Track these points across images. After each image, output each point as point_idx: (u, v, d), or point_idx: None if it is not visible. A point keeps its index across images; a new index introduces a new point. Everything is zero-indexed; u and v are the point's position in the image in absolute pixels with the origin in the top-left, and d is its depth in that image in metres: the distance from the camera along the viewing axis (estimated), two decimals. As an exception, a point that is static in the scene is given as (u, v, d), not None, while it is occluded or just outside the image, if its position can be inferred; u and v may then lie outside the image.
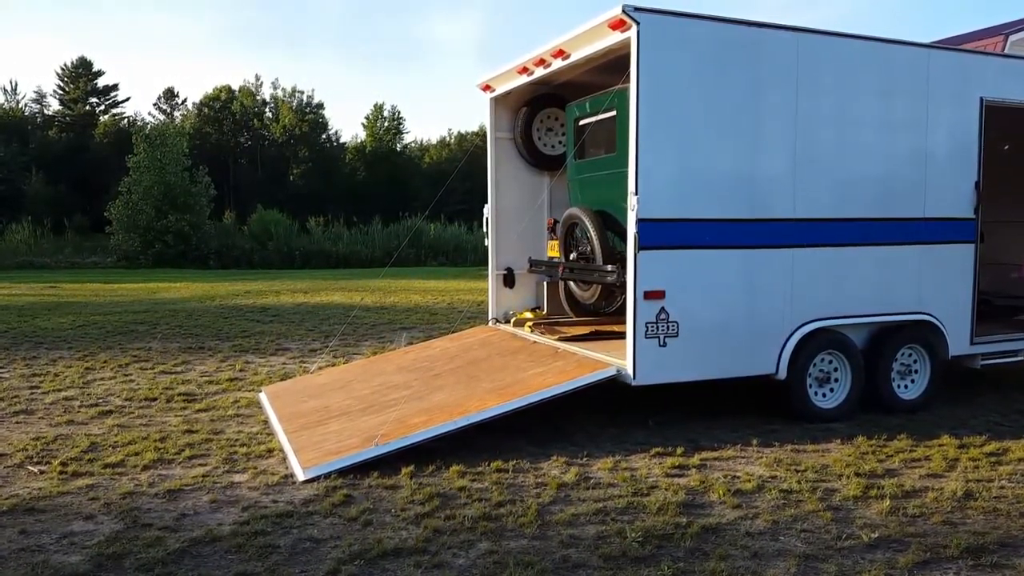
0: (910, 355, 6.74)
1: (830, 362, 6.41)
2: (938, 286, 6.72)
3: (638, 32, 5.50)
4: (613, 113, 6.80)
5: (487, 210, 8.39)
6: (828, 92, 6.20)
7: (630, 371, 5.72)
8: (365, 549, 3.88)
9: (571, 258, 7.64)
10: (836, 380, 6.43)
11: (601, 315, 8.01)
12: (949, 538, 3.99)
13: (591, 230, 7.06)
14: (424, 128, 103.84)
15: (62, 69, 49.91)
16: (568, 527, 4.16)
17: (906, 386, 6.73)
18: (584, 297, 7.86)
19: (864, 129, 6.36)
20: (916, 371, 6.77)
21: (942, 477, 4.98)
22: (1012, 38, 8.66)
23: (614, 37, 5.79)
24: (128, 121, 49.07)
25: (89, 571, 3.66)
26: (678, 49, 5.71)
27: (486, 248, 8.50)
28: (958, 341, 6.84)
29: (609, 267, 6.74)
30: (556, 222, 7.98)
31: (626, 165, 6.69)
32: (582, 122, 7.50)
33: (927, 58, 6.56)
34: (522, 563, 3.71)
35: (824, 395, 6.40)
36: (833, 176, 6.27)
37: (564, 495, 4.65)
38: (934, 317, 6.71)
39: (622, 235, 6.99)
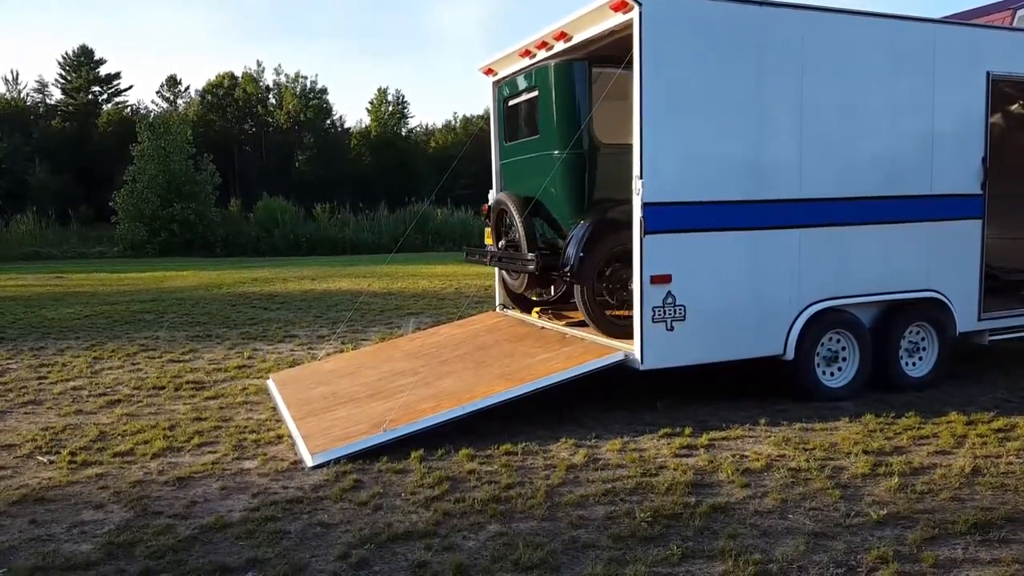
0: (918, 333, 6.71)
1: (838, 341, 6.39)
2: (945, 263, 6.68)
3: (640, 13, 5.44)
4: (537, 93, 6.71)
5: (492, 195, 8.35)
6: (834, 70, 6.14)
7: (638, 356, 5.72)
8: (375, 533, 3.90)
9: (500, 246, 7.49)
10: (844, 359, 6.42)
11: (543, 304, 7.84)
12: (957, 514, 3.99)
13: (516, 217, 6.93)
14: (429, 112, 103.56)
15: (64, 58, 49.78)
16: (577, 508, 4.17)
17: (914, 364, 6.71)
18: (514, 286, 7.75)
19: (870, 106, 6.29)
20: (924, 349, 6.74)
21: (950, 454, 4.97)
22: (1020, 12, 8.53)
23: (616, 18, 5.73)
24: (131, 110, 48.99)
25: (100, 560, 3.69)
26: (681, 29, 5.65)
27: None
28: (966, 318, 6.81)
29: (529, 255, 6.64)
30: (490, 208, 7.84)
31: (550, 148, 6.62)
32: (511, 102, 7.35)
33: (934, 33, 6.48)
34: (532, 544, 3.72)
35: (832, 374, 6.39)
36: (839, 154, 6.21)
37: (573, 477, 4.66)
38: (941, 294, 6.68)
39: (550, 221, 6.96)
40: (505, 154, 7.60)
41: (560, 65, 6.50)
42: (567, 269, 6.39)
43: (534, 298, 8.14)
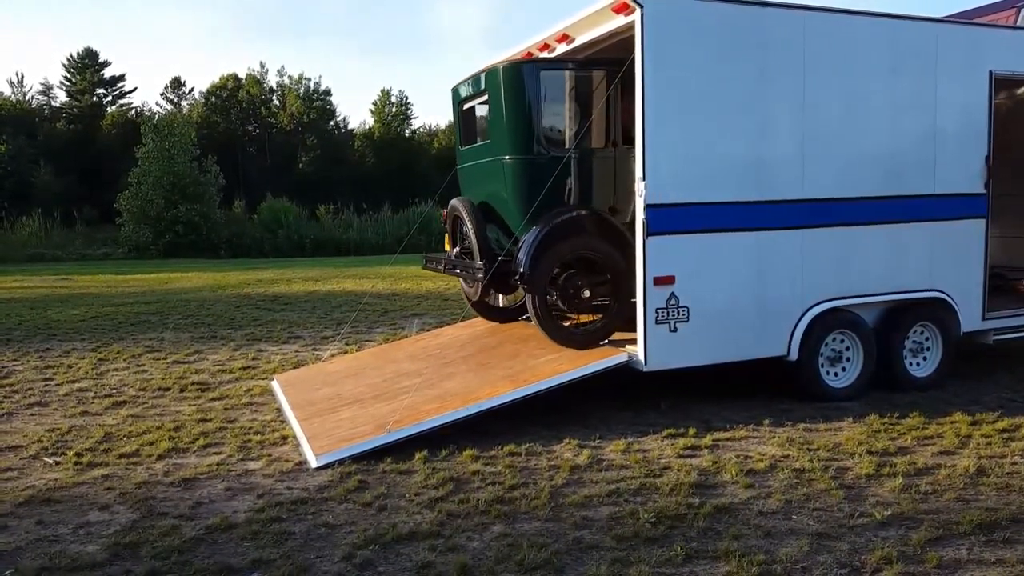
0: (922, 333, 6.70)
1: (842, 341, 6.38)
2: (949, 263, 6.67)
3: (642, 15, 5.44)
4: (487, 97, 6.60)
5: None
6: (836, 70, 6.13)
7: (641, 357, 5.72)
8: (380, 534, 3.92)
9: (455, 253, 7.32)
10: (848, 359, 6.41)
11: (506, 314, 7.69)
12: (962, 515, 3.99)
13: (468, 223, 6.75)
14: (432, 113, 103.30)
15: (68, 60, 49.90)
16: (581, 509, 4.18)
17: (918, 364, 6.70)
18: (470, 293, 7.57)
19: (873, 106, 6.29)
20: (928, 349, 6.73)
21: (954, 454, 4.96)
22: (1023, 11, 8.53)
23: (618, 21, 5.74)
24: (136, 112, 49.08)
25: (106, 560, 3.71)
26: (683, 31, 5.65)
27: None
28: (970, 317, 6.79)
29: (479, 264, 6.49)
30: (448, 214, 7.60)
31: (501, 153, 6.47)
32: (465, 106, 7.19)
33: (936, 32, 6.47)
34: (536, 545, 3.73)
35: (836, 375, 6.38)
36: (842, 155, 6.21)
37: (577, 477, 4.66)
38: (945, 294, 6.66)
39: (504, 228, 6.75)
40: (462, 158, 7.41)
41: (509, 68, 6.36)
42: (516, 277, 6.22)
43: (500, 305, 8.03)
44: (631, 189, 6.23)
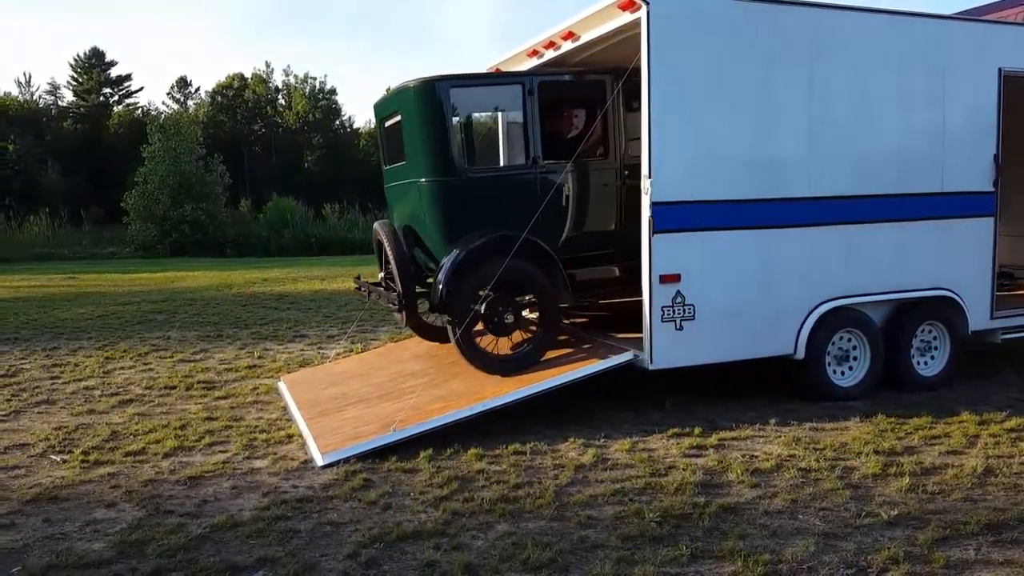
0: (929, 331, 6.67)
1: (848, 340, 6.36)
2: (957, 261, 6.63)
3: (648, 12, 5.43)
4: (399, 118, 6.33)
5: None
6: (844, 68, 6.10)
7: (647, 356, 5.70)
8: (385, 532, 3.91)
9: (380, 278, 7.05)
10: (855, 358, 6.38)
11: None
12: (969, 515, 3.97)
13: (388, 249, 6.47)
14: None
15: (75, 60, 50.11)
16: (586, 508, 4.17)
17: (926, 363, 6.67)
18: (399, 319, 7.00)
19: (880, 104, 6.25)
20: (936, 348, 6.70)
21: (962, 454, 4.94)
22: (1032, 8, 8.49)
23: (624, 17, 5.72)
24: (142, 111, 49.25)
25: (112, 558, 3.72)
26: (689, 28, 5.63)
27: None
28: (978, 316, 6.76)
29: (393, 295, 6.25)
30: None
31: (417, 175, 6.18)
32: (387, 123, 6.81)
33: (944, 30, 6.44)
34: (540, 544, 3.72)
35: (843, 373, 6.36)
36: (849, 153, 6.18)
37: (582, 476, 4.66)
38: (953, 293, 6.63)
39: (427, 252, 6.44)
40: (387, 178, 7.08)
41: (420, 86, 6.06)
42: (434, 303, 5.99)
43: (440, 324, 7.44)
44: (558, 207, 6.07)
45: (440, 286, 5.89)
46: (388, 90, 6.85)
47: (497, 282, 5.87)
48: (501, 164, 6.19)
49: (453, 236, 6.05)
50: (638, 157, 5.92)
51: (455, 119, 6.18)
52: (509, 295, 6.10)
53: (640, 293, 5.78)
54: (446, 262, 5.95)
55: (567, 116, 6.90)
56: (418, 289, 6.39)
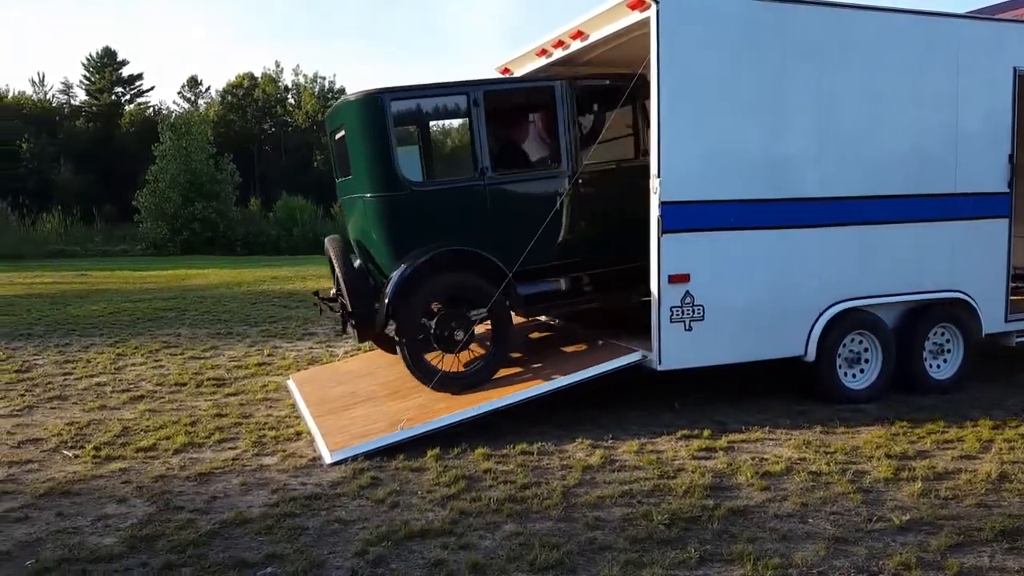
0: (942, 334, 6.61)
1: (860, 342, 6.31)
2: (971, 263, 6.57)
3: (657, 11, 5.40)
4: (343, 132, 6.17)
5: None
6: (856, 67, 6.05)
7: (656, 356, 5.67)
8: (392, 530, 3.91)
9: (332, 294, 6.88)
10: (866, 361, 6.34)
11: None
12: (983, 521, 3.92)
13: (335, 265, 6.31)
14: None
15: (88, 59, 50.47)
16: (594, 509, 4.16)
17: (939, 366, 6.61)
18: (352, 335, 6.48)
19: (893, 104, 6.20)
20: (949, 350, 6.64)
21: (976, 458, 4.89)
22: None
23: (633, 17, 5.69)
24: (153, 110, 49.57)
25: (123, 553, 3.73)
26: (699, 27, 5.59)
27: None
28: (992, 319, 6.69)
29: (340, 315, 6.09)
30: None
31: (362, 190, 6.03)
32: (336, 136, 6.58)
33: (958, 28, 6.38)
34: (548, 545, 3.71)
35: (854, 376, 6.31)
36: (861, 153, 6.13)
37: (589, 478, 4.64)
38: (967, 295, 6.57)
39: (378, 267, 6.31)
40: (340, 191, 6.93)
41: (361, 99, 5.92)
42: (380, 319, 5.85)
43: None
44: (508, 219, 5.94)
45: (386, 301, 5.75)
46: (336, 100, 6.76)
47: (444, 297, 5.80)
48: (448, 177, 6.06)
49: (400, 251, 5.90)
50: (594, 164, 5.93)
51: (399, 132, 6.01)
52: (458, 310, 5.94)
53: (598, 300, 5.76)
54: (392, 278, 5.80)
55: (516, 126, 6.81)
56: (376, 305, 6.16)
